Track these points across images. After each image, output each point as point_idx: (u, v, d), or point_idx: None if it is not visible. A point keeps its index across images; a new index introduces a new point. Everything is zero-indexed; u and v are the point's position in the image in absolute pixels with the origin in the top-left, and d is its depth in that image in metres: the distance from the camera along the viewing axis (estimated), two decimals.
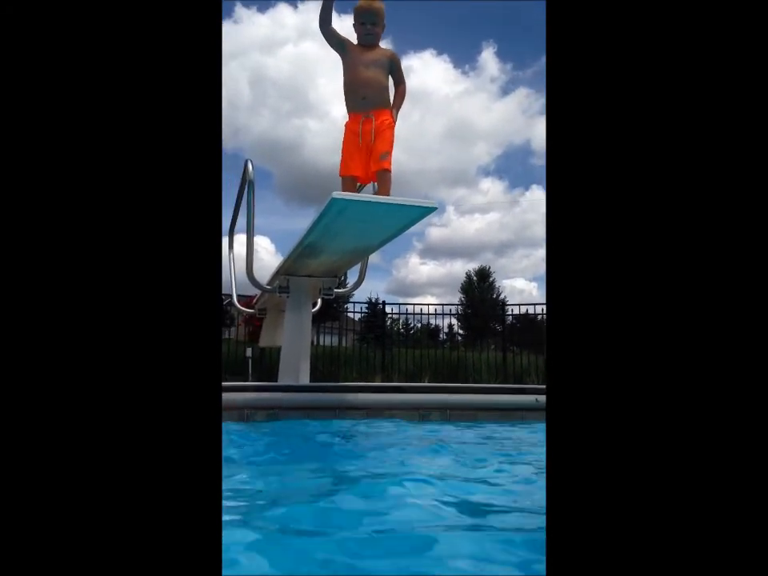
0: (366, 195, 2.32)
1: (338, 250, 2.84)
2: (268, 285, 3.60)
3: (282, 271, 3.36)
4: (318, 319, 15.64)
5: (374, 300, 15.37)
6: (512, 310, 9.69)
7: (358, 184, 2.58)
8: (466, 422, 2.79)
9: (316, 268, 3.29)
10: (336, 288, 3.70)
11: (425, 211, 2.23)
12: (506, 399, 3.04)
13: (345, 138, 2.51)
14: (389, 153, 2.43)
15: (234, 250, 4.76)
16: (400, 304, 11.20)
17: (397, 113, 2.57)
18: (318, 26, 2.55)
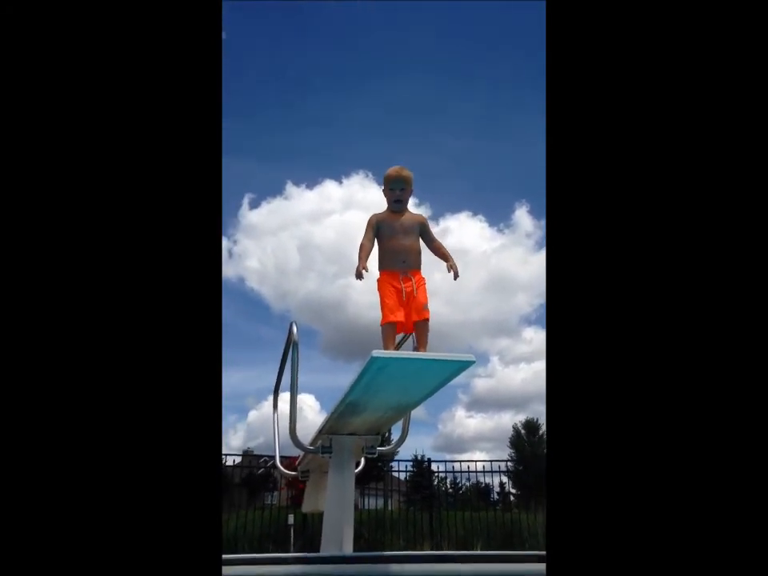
0: (406, 352, 2.41)
1: (380, 406, 2.85)
2: (311, 445, 3.56)
3: (325, 430, 3.35)
4: (362, 480, 14.95)
5: (419, 458, 14.69)
6: None
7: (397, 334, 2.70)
8: None
9: (359, 426, 3.28)
10: (379, 446, 3.63)
11: (463, 365, 2.28)
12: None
13: (384, 290, 2.68)
14: (427, 305, 2.60)
15: (279, 410, 4.79)
16: (446, 461, 10.70)
17: (453, 261, 2.82)
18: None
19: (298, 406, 3.38)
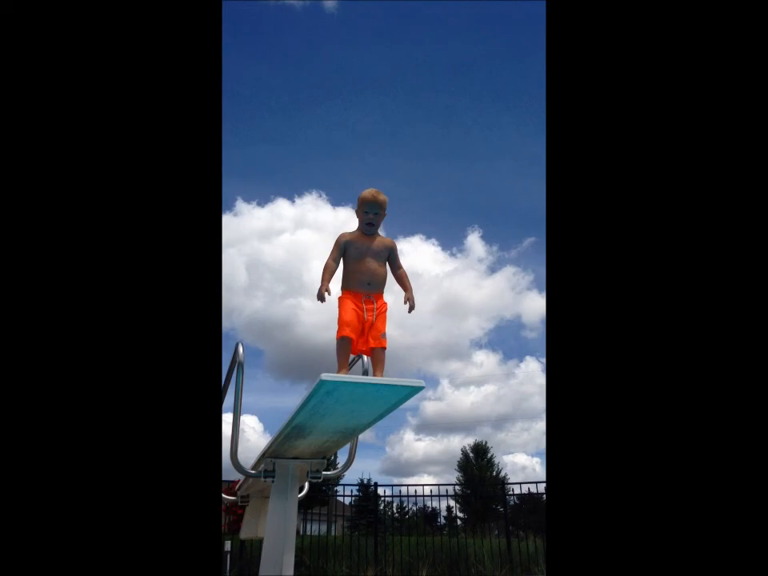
0: (355, 376, 2.36)
1: (327, 430, 2.78)
2: (253, 469, 3.44)
3: (268, 454, 3.24)
4: (305, 505, 14.61)
5: (365, 481, 14.52)
6: (513, 489, 9.18)
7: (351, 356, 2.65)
8: None
9: (304, 450, 3.19)
10: (324, 470, 3.54)
11: (413, 390, 2.26)
12: None
13: (344, 306, 2.64)
14: (385, 334, 2.56)
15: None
16: (393, 485, 10.60)
17: (412, 293, 2.79)
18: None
19: (240, 427, 3.26)
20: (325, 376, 2.13)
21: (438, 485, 9.89)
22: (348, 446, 3.64)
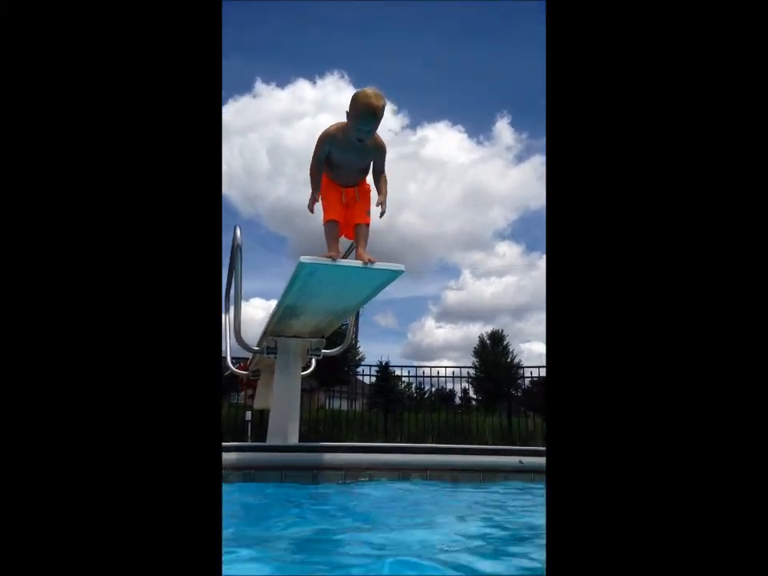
0: (338, 260, 2.41)
1: (318, 310, 2.92)
2: (257, 346, 3.67)
3: (269, 332, 3.44)
4: (328, 383, 15.50)
5: (383, 363, 15.22)
6: (524, 373, 9.58)
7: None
8: (446, 483, 2.76)
9: (301, 329, 3.37)
10: (325, 349, 3.76)
11: (392, 274, 2.33)
12: (487, 461, 3.01)
13: (326, 192, 2.59)
14: (369, 211, 2.57)
15: (231, 314, 4.87)
16: (410, 366, 11.11)
17: (385, 198, 2.51)
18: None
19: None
20: (304, 258, 2.21)
21: (453, 367, 10.42)
22: (348, 326, 3.85)
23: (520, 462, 2.95)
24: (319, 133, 2.55)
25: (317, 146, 2.51)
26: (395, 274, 2.32)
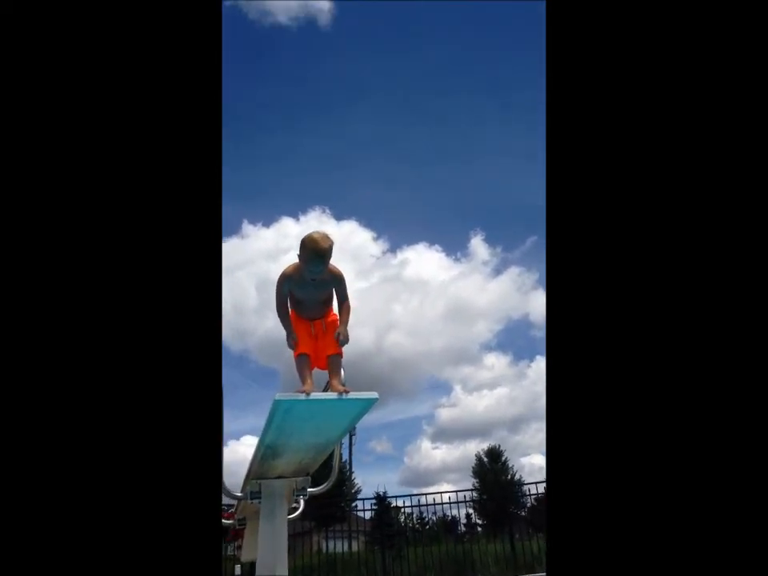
0: (312, 394, 2.43)
1: (300, 447, 2.87)
2: (241, 491, 3.52)
3: (252, 475, 3.33)
4: (325, 523, 14.51)
5: (381, 494, 14.47)
6: (528, 490, 9.14)
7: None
8: None
9: (285, 468, 3.27)
10: (311, 487, 3.62)
11: (367, 403, 2.35)
12: None
13: (295, 326, 2.69)
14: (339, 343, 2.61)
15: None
16: (411, 495, 10.54)
17: (346, 327, 2.62)
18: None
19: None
20: (279, 396, 2.23)
21: (454, 492, 9.88)
22: (332, 460, 3.73)
23: None
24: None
25: (277, 289, 2.64)
26: (369, 403, 2.35)
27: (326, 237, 2.53)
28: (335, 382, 2.49)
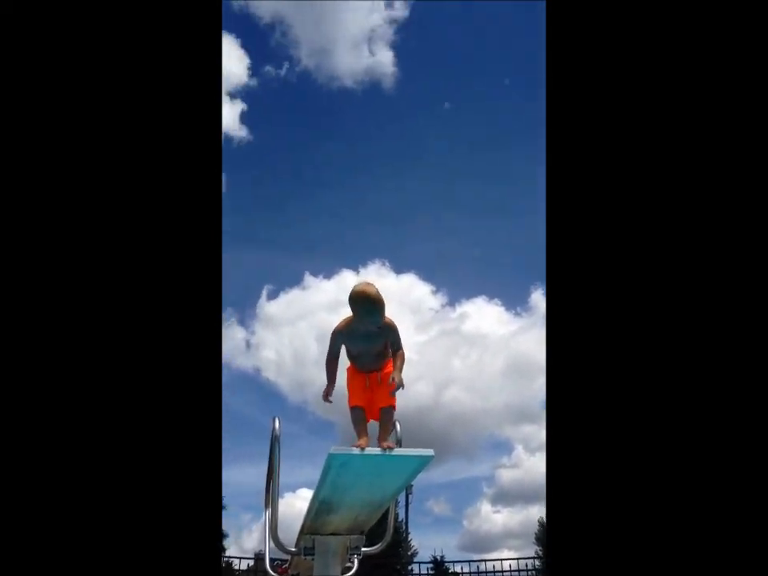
0: (367, 449, 2.40)
1: (354, 504, 2.81)
2: (295, 546, 3.46)
3: (306, 530, 3.27)
4: None
5: (438, 558, 13.86)
6: None
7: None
8: None
9: (339, 525, 3.20)
10: (365, 547, 3.51)
11: (424, 460, 2.29)
12: None
13: (351, 379, 2.73)
14: (394, 392, 2.58)
15: (269, 512, 4.67)
16: (470, 561, 10.03)
17: (400, 373, 2.58)
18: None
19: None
20: (334, 449, 2.21)
21: (518, 558, 9.36)
22: (387, 519, 3.63)
23: None
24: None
25: (330, 343, 2.64)
26: (426, 460, 2.28)
27: (370, 283, 2.52)
28: (382, 437, 2.46)
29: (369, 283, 2.53)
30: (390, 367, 2.73)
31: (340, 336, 2.62)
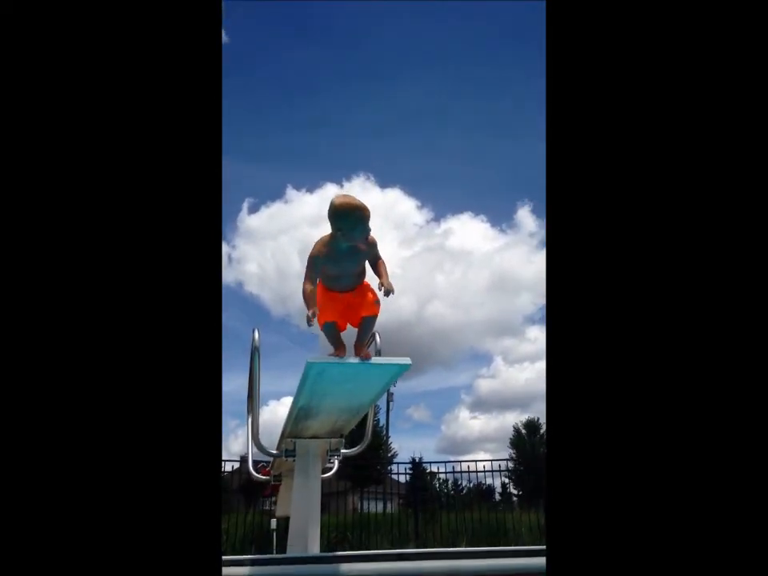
0: (343, 358, 2.44)
1: (332, 410, 2.91)
2: (277, 449, 3.62)
3: (287, 434, 3.41)
4: (361, 484, 14.91)
5: (417, 460, 14.71)
6: None
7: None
8: None
9: (318, 429, 3.33)
10: (344, 449, 3.68)
11: (400, 368, 2.34)
12: (520, 564, 2.81)
13: (320, 294, 2.54)
14: (377, 301, 2.55)
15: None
16: (445, 462, 10.67)
17: (388, 280, 2.44)
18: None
19: (259, 410, 3.45)
20: (311, 358, 2.24)
21: (489, 461, 9.98)
22: (366, 424, 3.79)
23: None
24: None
25: (307, 271, 2.43)
26: (402, 368, 2.33)
27: (350, 195, 2.38)
28: (359, 345, 2.43)
29: (347, 195, 2.40)
30: (366, 284, 2.71)
31: (318, 260, 2.43)
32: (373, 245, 2.54)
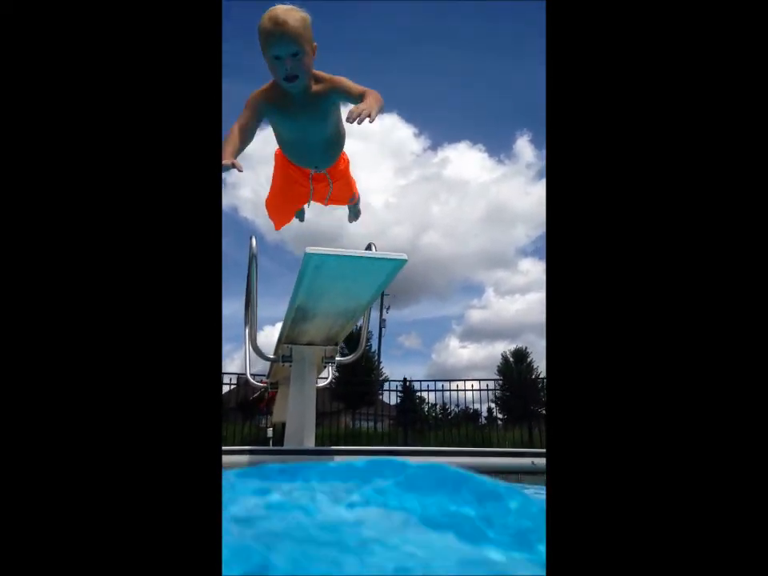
0: (338, 249, 2.44)
1: (329, 311, 2.94)
2: (273, 355, 3.69)
3: (284, 340, 3.47)
4: (353, 405, 15.46)
5: (406, 381, 15.24)
6: None
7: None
8: None
9: (315, 334, 3.38)
10: (339, 357, 3.77)
11: (397, 263, 2.34)
12: (500, 462, 2.96)
13: (280, 173, 2.16)
14: (354, 195, 2.43)
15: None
16: (433, 381, 10.95)
17: (377, 110, 1.79)
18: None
19: (257, 316, 3.49)
20: (310, 249, 2.23)
21: (476, 380, 10.28)
22: (361, 332, 3.87)
23: (532, 463, 2.91)
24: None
25: (246, 107, 1.79)
26: (399, 263, 2.34)
27: (291, 7, 1.68)
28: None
29: (288, 7, 1.68)
30: (345, 161, 2.32)
31: (261, 105, 1.75)
32: (337, 84, 1.87)
